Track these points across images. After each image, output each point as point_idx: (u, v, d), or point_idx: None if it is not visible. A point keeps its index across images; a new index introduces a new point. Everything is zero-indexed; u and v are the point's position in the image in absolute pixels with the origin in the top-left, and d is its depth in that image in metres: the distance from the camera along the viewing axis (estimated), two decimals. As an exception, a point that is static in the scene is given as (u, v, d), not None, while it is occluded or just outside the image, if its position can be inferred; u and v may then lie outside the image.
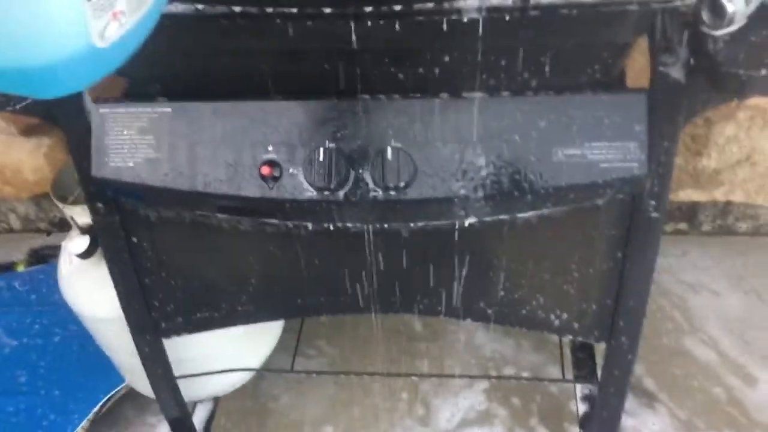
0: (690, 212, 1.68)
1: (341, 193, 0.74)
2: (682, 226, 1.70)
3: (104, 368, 1.30)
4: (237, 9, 0.63)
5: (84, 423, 1.30)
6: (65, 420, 1.30)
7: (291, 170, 0.75)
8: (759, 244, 1.65)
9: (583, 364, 1.19)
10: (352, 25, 0.65)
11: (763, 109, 1.37)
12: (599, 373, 0.97)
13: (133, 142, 0.78)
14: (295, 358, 1.27)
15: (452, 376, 1.15)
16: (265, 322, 1.00)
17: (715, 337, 1.43)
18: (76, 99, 0.78)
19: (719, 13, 0.65)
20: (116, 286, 0.93)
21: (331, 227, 0.80)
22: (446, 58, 0.69)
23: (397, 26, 0.65)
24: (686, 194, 1.60)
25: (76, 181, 0.98)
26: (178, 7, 0.64)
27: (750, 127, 1.42)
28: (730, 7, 0.64)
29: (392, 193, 0.73)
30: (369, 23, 0.65)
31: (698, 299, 1.52)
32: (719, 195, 1.58)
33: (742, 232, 1.68)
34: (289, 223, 0.82)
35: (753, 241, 1.66)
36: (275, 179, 0.75)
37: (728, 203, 1.63)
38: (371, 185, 0.74)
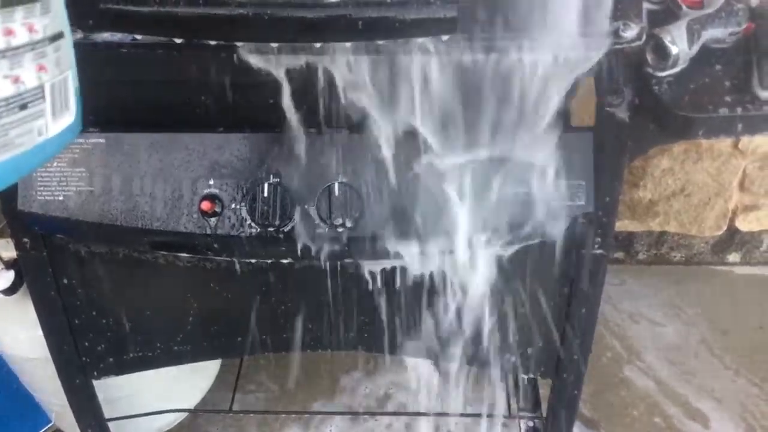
0: (626, 241, 1.71)
1: (286, 230, 0.72)
2: (619, 255, 1.73)
3: (29, 407, 1.23)
4: (178, 41, 0.60)
5: (5, 467, 1.22)
6: (-16, 464, 1.22)
7: (233, 205, 0.72)
8: (692, 273, 1.70)
9: (527, 397, 1.19)
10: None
11: (697, 143, 1.42)
12: (543, 405, 0.97)
13: (64, 175, 0.73)
14: (234, 395, 1.22)
15: (396, 414, 1.13)
16: (202, 361, 0.96)
17: (654, 366, 1.46)
18: None
19: (663, 55, 0.66)
20: (43, 325, 0.87)
21: (275, 264, 0.77)
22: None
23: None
24: (623, 224, 1.63)
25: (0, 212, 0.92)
26: (115, 36, 0.61)
27: (684, 161, 1.46)
28: (673, 49, 0.65)
29: (339, 230, 0.71)
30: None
31: (637, 328, 1.54)
32: (654, 225, 1.62)
33: (676, 261, 1.73)
34: (231, 260, 0.79)
35: (687, 270, 1.71)
36: (216, 215, 0.72)
37: (663, 233, 1.67)
38: (317, 222, 0.72)
